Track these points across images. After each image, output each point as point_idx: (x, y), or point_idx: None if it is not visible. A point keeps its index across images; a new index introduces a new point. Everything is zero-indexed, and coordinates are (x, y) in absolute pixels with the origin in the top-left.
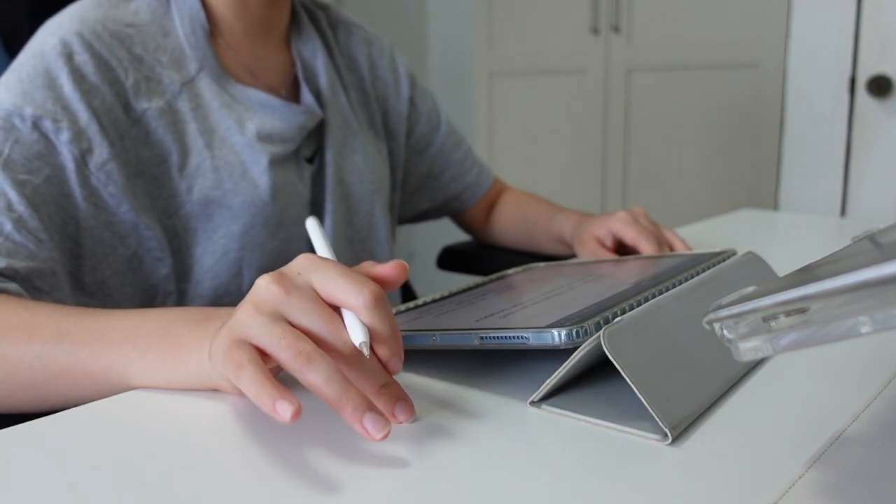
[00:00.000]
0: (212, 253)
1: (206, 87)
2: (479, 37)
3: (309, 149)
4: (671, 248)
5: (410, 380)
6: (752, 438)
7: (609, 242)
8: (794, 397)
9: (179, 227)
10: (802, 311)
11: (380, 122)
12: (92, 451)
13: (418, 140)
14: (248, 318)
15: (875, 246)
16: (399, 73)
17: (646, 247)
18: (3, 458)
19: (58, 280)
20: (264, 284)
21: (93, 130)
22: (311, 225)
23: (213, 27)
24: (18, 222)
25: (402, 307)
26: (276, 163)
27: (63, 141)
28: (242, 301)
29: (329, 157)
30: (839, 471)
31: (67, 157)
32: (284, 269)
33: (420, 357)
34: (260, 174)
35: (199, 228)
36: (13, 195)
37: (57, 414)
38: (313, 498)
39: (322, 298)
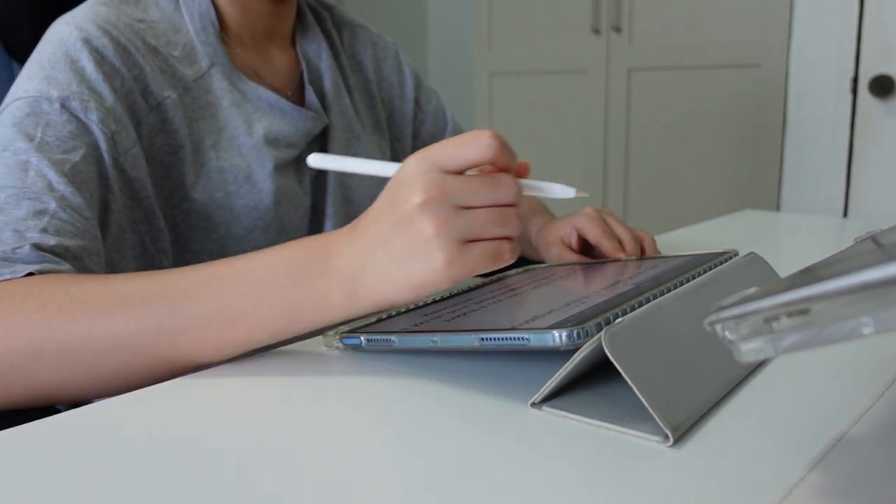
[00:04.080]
0: (209, 252)
1: (218, 84)
2: (480, 36)
3: (311, 152)
4: (642, 249)
5: (410, 381)
6: (754, 440)
7: (574, 241)
8: (796, 399)
9: (179, 221)
10: (804, 312)
11: (385, 124)
12: (93, 452)
13: (425, 140)
14: (458, 224)
15: (878, 247)
16: (404, 74)
17: (608, 246)
18: (7, 458)
19: (102, 261)
20: (422, 208)
21: (118, 112)
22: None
23: (220, 26)
24: (62, 200)
25: (403, 308)
26: (279, 167)
27: (93, 120)
28: (412, 220)
29: None
30: (841, 473)
31: (99, 136)
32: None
33: (420, 358)
34: (264, 179)
35: (200, 226)
36: (52, 175)
37: (59, 415)
38: (312, 497)
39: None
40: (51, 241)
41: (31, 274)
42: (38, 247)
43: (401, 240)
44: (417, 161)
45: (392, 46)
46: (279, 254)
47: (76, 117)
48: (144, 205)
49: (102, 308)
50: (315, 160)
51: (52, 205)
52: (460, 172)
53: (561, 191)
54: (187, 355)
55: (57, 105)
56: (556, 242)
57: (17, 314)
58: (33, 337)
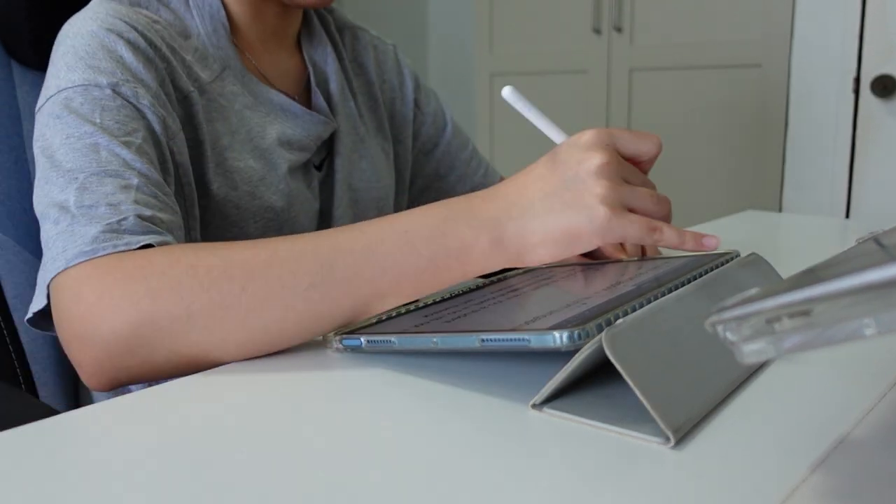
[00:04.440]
0: None
1: (230, 87)
2: (481, 37)
3: (318, 156)
4: (643, 251)
5: (410, 382)
6: (756, 441)
7: None
8: (798, 400)
9: (192, 218)
10: (806, 313)
11: (387, 126)
12: (92, 453)
13: (424, 142)
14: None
15: (880, 247)
16: (404, 76)
17: (608, 247)
18: (10, 458)
19: (184, 235)
20: (598, 170)
21: (162, 98)
22: (510, 95)
23: (230, 29)
24: (142, 176)
25: (402, 309)
26: (291, 170)
27: (145, 105)
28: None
29: (339, 163)
30: (843, 474)
31: (153, 119)
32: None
33: (420, 359)
34: (278, 181)
35: (214, 223)
36: (125, 154)
37: (62, 415)
38: (312, 498)
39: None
40: (147, 212)
41: (148, 246)
42: (140, 217)
43: (568, 193)
44: (595, 132)
45: (391, 48)
46: (419, 212)
47: (129, 102)
48: (186, 191)
49: (253, 266)
50: (508, 93)
51: (135, 180)
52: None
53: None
54: (338, 309)
55: (108, 91)
56: None
57: (161, 278)
58: (184, 298)
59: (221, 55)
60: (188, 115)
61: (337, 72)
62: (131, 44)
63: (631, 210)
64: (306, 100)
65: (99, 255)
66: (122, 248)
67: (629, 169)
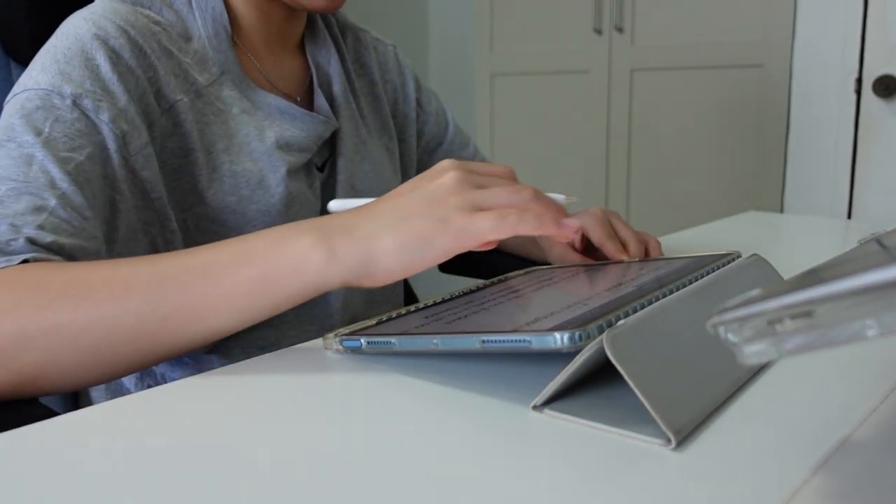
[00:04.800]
0: None
1: (227, 92)
2: (481, 37)
3: (321, 157)
4: (646, 252)
5: (410, 383)
6: (757, 443)
7: (577, 240)
8: (800, 401)
9: (191, 224)
10: (808, 314)
11: (392, 126)
12: (91, 456)
13: (429, 140)
14: (470, 195)
15: (882, 248)
16: (405, 76)
17: (611, 248)
18: (8, 461)
19: (100, 259)
20: (448, 182)
21: (131, 113)
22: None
23: (234, 30)
24: (63, 198)
25: (403, 310)
26: (291, 172)
27: (104, 120)
28: (431, 193)
29: (341, 164)
30: (845, 476)
31: (109, 136)
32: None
33: (421, 360)
34: (277, 183)
35: (211, 230)
36: (56, 172)
37: (60, 416)
38: (312, 500)
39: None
40: (46, 238)
41: (25, 262)
42: (32, 241)
43: (421, 204)
44: (451, 162)
45: (391, 49)
46: (272, 229)
47: (87, 116)
48: (157, 206)
49: (91, 283)
50: (335, 206)
51: (52, 202)
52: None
53: (553, 197)
54: (170, 327)
55: (69, 101)
56: (559, 242)
57: (7, 295)
58: (21, 318)
59: (221, 59)
60: (174, 124)
61: (340, 73)
62: (114, 52)
63: (487, 209)
64: (309, 101)
65: None
66: (3, 264)
67: (483, 179)
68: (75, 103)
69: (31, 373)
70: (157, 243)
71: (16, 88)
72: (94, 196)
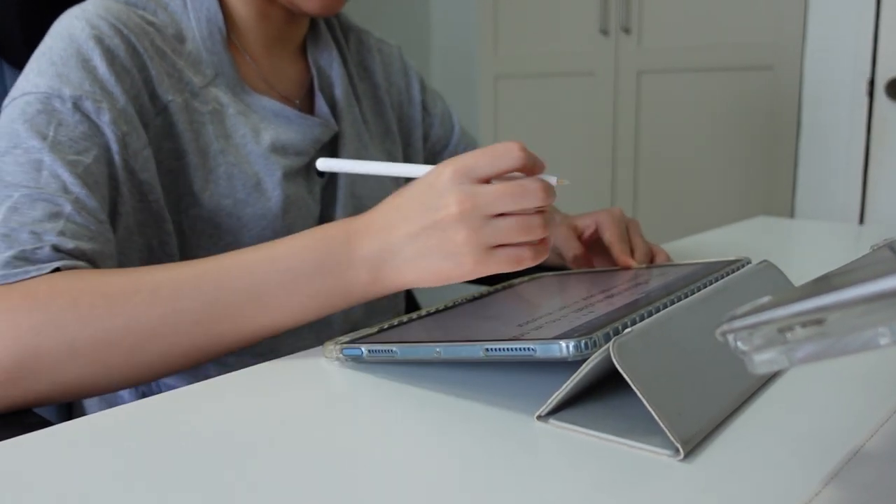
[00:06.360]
0: None
1: (222, 94)
2: (484, 38)
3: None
4: (651, 259)
5: (412, 393)
6: (767, 454)
7: (587, 233)
8: (811, 411)
9: (186, 227)
10: (819, 322)
11: (396, 130)
12: (90, 461)
13: (434, 143)
14: (482, 226)
15: (895, 254)
16: (410, 77)
17: (618, 249)
18: (9, 470)
19: (115, 264)
20: (456, 219)
21: (129, 113)
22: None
23: (230, 34)
24: (77, 203)
25: (405, 318)
26: (288, 176)
27: (105, 122)
28: (441, 218)
29: None
30: (857, 487)
31: (111, 137)
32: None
33: (422, 369)
34: (273, 187)
35: (207, 233)
36: (67, 176)
37: (54, 427)
38: None
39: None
40: (69, 244)
41: (56, 270)
42: (56, 248)
43: (432, 240)
44: (452, 172)
45: (396, 50)
46: (300, 243)
47: (88, 118)
48: (154, 208)
49: (136, 303)
50: (323, 164)
51: (68, 208)
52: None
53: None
54: (222, 342)
55: (69, 104)
56: (566, 226)
57: (44, 311)
58: (66, 334)
59: (215, 60)
60: (168, 124)
61: (342, 76)
62: (110, 52)
63: (499, 244)
64: (310, 105)
65: (9, 281)
66: (34, 273)
67: (493, 198)
68: (76, 106)
69: (77, 384)
70: (153, 245)
71: (14, 92)
72: (104, 198)
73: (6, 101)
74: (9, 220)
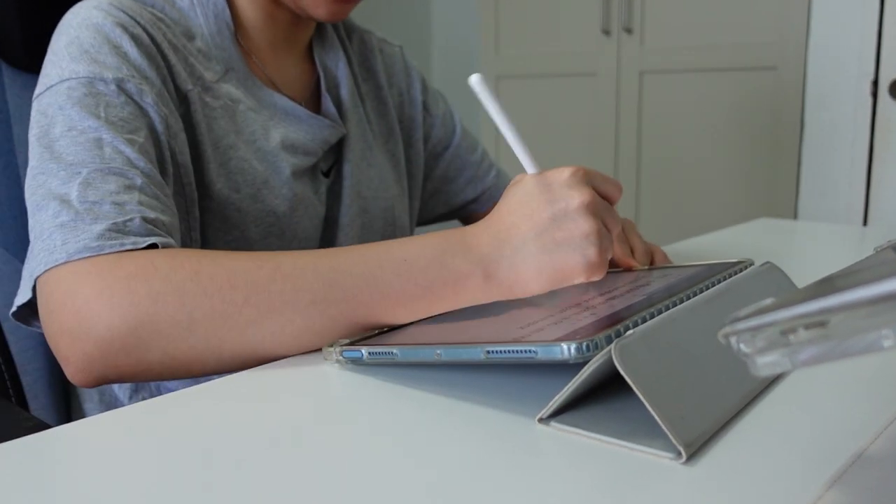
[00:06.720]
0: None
1: (233, 89)
2: (486, 38)
3: (326, 162)
4: (652, 261)
5: (412, 395)
6: (770, 457)
7: None
8: (814, 414)
9: (192, 219)
10: (822, 324)
11: (398, 130)
12: (89, 464)
13: (435, 144)
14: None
15: None
16: (411, 78)
17: (618, 250)
18: (6, 472)
19: (180, 238)
20: (585, 208)
21: (165, 96)
22: (477, 82)
23: (237, 34)
24: (145, 176)
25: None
26: (296, 174)
27: (149, 103)
28: (562, 212)
29: (347, 170)
30: (861, 491)
31: (155, 118)
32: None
33: (423, 371)
34: (281, 185)
35: (215, 225)
36: (129, 151)
37: (53, 429)
38: None
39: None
40: (150, 214)
41: (153, 246)
42: (145, 220)
43: (560, 232)
44: (574, 170)
45: (398, 50)
46: (417, 241)
47: (132, 99)
48: (187, 191)
49: (257, 278)
50: (476, 81)
51: (139, 180)
52: None
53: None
54: (335, 326)
55: (113, 87)
56: None
57: (165, 281)
58: (186, 304)
59: (225, 56)
60: (187, 113)
61: (348, 77)
62: (136, 39)
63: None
64: (315, 105)
65: (105, 252)
66: (129, 246)
67: (606, 207)
68: (120, 87)
69: (187, 359)
70: (183, 230)
71: (47, 81)
72: (161, 176)
73: (39, 90)
74: (85, 195)
